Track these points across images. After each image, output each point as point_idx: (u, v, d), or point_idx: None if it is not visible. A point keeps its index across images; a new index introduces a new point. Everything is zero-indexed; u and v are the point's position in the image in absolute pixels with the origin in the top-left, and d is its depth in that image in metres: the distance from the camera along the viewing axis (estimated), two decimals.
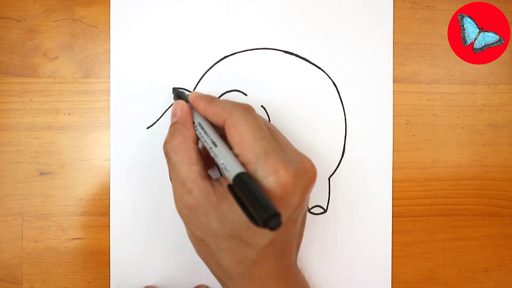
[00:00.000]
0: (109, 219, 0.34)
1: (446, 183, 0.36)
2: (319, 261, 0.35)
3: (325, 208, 0.35)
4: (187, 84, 0.34)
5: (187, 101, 0.30)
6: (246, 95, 0.34)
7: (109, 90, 0.34)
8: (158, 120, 0.34)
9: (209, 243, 0.26)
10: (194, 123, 0.28)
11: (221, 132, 0.27)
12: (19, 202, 0.34)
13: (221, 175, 0.34)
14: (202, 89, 0.34)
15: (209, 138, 0.27)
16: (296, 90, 0.35)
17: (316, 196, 0.35)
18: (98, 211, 0.34)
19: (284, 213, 0.25)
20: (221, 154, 0.25)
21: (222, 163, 0.25)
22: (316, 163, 0.35)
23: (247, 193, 0.22)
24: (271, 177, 0.24)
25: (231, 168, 0.24)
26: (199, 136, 0.28)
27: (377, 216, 0.35)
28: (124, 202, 0.34)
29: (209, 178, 0.27)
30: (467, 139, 0.36)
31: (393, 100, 0.35)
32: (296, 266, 0.30)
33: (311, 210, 0.35)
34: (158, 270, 0.34)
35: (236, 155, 0.25)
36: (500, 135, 0.36)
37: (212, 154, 0.26)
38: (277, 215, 0.21)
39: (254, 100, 0.34)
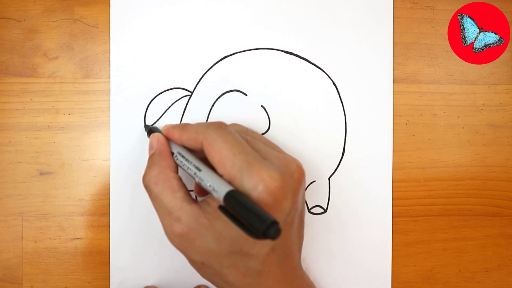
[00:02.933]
0: (109, 219, 0.34)
1: (446, 183, 0.36)
2: (319, 261, 0.35)
3: (325, 208, 0.35)
4: (187, 84, 0.34)
5: (154, 131, 0.30)
6: (246, 95, 0.34)
7: (109, 90, 0.34)
8: (158, 120, 0.34)
9: (211, 264, 0.26)
10: (173, 154, 0.28)
11: (201, 156, 0.27)
12: (19, 202, 0.34)
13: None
14: (202, 89, 0.34)
15: (191, 165, 0.27)
16: (296, 90, 0.35)
17: (316, 196, 0.35)
18: (98, 211, 0.34)
19: (279, 218, 0.25)
20: (206, 177, 0.26)
21: (210, 185, 0.25)
22: (316, 163, 0.35)
23: (240, 209, 0.22)
24: (258, 187, 0.24)
25: (219, 188, 0.24)
26: (181, 166, 0.28)
27: (377, 216, 0.35)
28: (124, 202, 0.34)
29: (195, 201, 0.26)
30: (467, 139, 0.36)
31: (393, 100, 0.35)
32: (301, 268, 0.30)
33: (311, 210, 0.35)
34: (158, 270, 0.34)
35: (220, 175, 0.25)
36: (500, 135, 0.36)
37: (197, 179, 0.26)
38: (274, 223, 0.21)
39: (254, 100, 0.34)
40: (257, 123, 0.34)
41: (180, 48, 0.34)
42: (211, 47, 0.34)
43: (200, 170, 0.26)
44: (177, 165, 0.28)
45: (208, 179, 0.25)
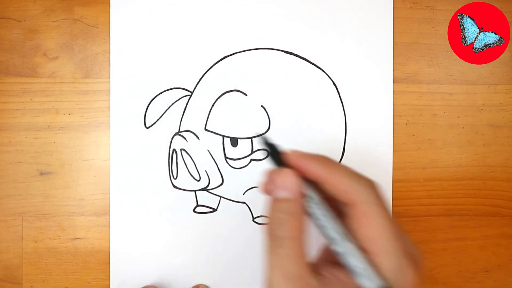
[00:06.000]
0: (109, 219, 0.34)
1: (446, 183, 0.36)
2: None
3: None
4: (187, 84, 0.34)
5: (278, 156, 0.23)
6: (246, 95, 0.34)
7: (109, 90, 0.34)
8: (158, 120, 0.34)
9: None
10: (304, 195, 0.23)
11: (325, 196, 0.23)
12: (19, 202, 0.34)
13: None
14: (202, 89, 0.34)
15: (333, 229, 0.22)
16: (296, 90, 0.35)
17: None
18: (98, 211, 0.34)
19: None
20: (356, 257, 0.21)
21: (357, 267, 0.21)
22: None
23: None
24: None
25: (372, 280, 0.21)
26: (313, 217, 0.22)
27: None
28: (124, 202, 0.34)
29: (318, 273, 0.22)
30: (467, 139, 0.36)
31: (393, 100, 0.35)
32: None
33: None
34: (158, 270, 0.34)
35: (363, 249, 0.22)
36: (500, 135, 0.36)
37: (338, 249, 0.22)
38: None
39: (254, 100, 0.34)
40: (257, 123, 0.34)
41: (180, 48, 0.34)
42: (211, 47, 0.34)
43: (348, 244, 0.21)
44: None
45: (357, 261, 0.21)
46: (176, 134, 0.34)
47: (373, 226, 0.21)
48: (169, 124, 0.34)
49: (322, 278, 0.22)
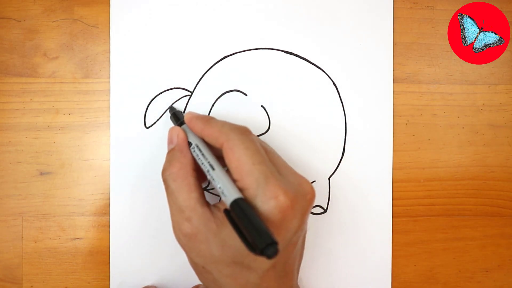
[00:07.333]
0: (109, 219, 0.34)
1: (446, 183, 0.36)
2: (319, 261, 0.35)
3: (325, 208, 0.35)
4: (187, 84, 0.34)
5: (183, 121, 0.30)
6: (246, 95, 0.34)
7: (109, 90, 0.34)
8: (158, 120, 0.34)
9: (211, 270, 0.26)
10: (191, 144, 0.28)
11: (218, 153, 0.27)
12: (19, 202, 0.34)
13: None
14: (202, 89, 0.34)
15: (206, 161, 0.27)
16: (296, 90, 0.35)
17: (316, 196, 0.35)
18: (98, 211, 0.34)
19: (285, 237, 0.25)
20: (218, 178, 0.25)
21: (220, 187, 0.25)
22: (316, 163, 0.35)
23: (244, 219, 0.22)
24: (271, 202, 0.24)
25: (228, 193, 0.24)
26: (196, 158, 0.28)
27: (377, 216, 0.35)
28: (124, 202, 0.34)
29: (207, 204, 0.26)
30: (467, 139, 0.36)
31: (393, 100, 0.35)
32: (298, 286, 0.30)
33: (311, 210, 0.35)
34: (158, 270, 0.34)
35: (234, 180, 0.25)
36: (500, 135, 0.36)
37: (209, 177, 0.26)
38: (274, 243, 0.21)
39: (254, 100, 0.34)
40: (257, 123, 0.34)
41: (180, 48, 0.34)
42: (211, 47, 0.34)
43: (213, 169, 0.26)
44: (195, 161, 0.28)
45: (219, 181, 0.25)
46: None
47: (235, 158, 0.25)
48: (169, 124, 0.34)
49: (213, 208, 0.26)
